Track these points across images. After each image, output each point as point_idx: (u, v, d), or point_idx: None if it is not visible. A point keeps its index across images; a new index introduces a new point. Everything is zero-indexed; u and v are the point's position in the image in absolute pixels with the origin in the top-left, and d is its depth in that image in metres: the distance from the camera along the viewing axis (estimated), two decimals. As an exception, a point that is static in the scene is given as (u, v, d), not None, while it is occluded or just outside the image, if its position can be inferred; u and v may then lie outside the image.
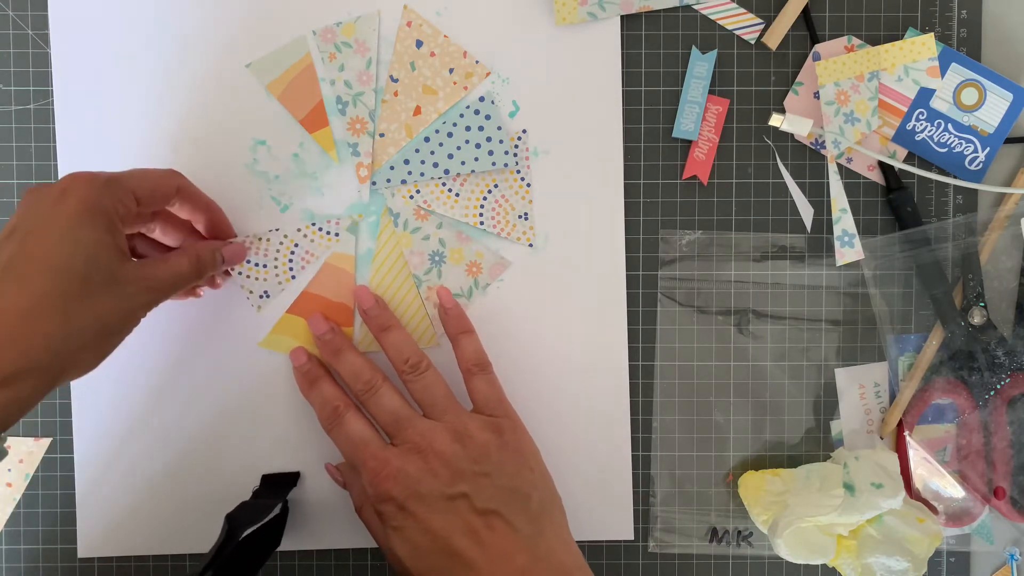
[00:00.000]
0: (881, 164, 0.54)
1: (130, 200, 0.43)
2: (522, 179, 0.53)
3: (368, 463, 0.46)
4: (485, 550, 0.44)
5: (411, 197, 0.53)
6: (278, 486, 0.53)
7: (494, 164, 0.53)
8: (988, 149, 0.54)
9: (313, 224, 0.53)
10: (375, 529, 0.48)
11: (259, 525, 0.51)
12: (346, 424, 0.48)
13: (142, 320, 0.44)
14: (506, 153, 0.53)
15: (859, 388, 0.55)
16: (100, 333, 0.42)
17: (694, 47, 0.53)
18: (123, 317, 0.43)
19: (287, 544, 0.53)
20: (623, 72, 0.53)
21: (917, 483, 0.54)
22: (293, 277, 0.53)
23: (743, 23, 0.53)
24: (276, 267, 0.53)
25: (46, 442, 0.53)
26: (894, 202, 0.54)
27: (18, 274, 0.39)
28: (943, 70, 0.53)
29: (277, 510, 0.52)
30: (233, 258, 0.50)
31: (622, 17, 0.53)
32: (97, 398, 0.53)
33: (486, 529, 0.44)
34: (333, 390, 0.49)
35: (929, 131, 0.54)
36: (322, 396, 0.49)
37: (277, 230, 0.53)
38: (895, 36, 0.54)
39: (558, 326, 0.53)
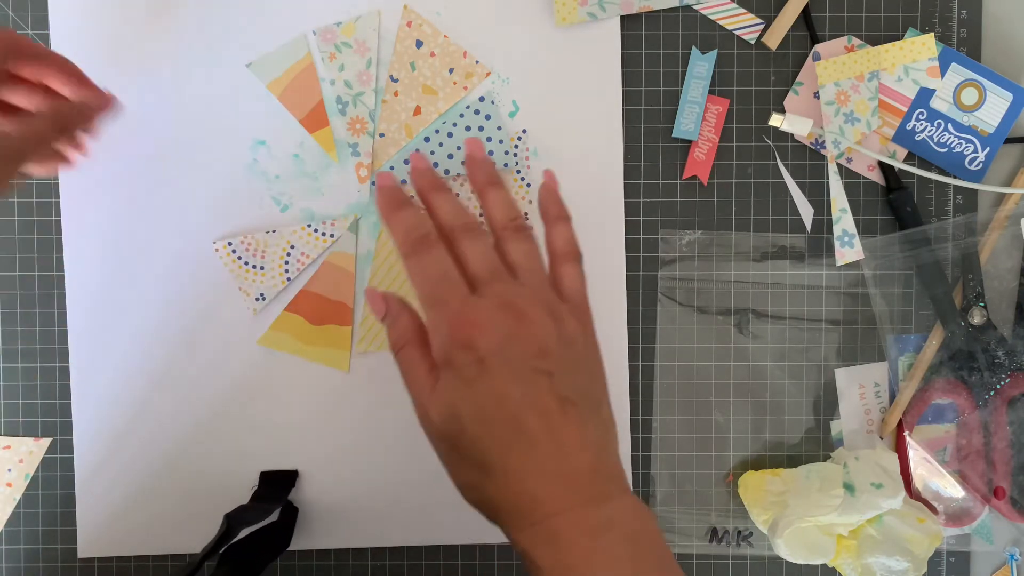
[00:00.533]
0: (881, 164, 0.54)
1: None
2: (522, 179, 0.53)
3: (454, 302, 0.41)
4: (554, 436, 0.39)
5: (411, 197, 0.53)
6: (277, 486, 0.52)
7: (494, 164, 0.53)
8: (988, 149, 0.54)
9: (309, 226, 0.53)
10: (417, 375, 0.42)
11: (263, 525, 0.50)
12: (434, 253, 0.42)
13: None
14: (506, 153, 0.53)
15: (859, 388, 0.55)
16: None
17: (694, 47, 0.53)
18: None
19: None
20: (623, 72, 0.53)
21: (917, 483, 0.54)
22: (289, 279, 0.53)
23: (743, 23, 0.53)
24: (272, 269, 0.53)
25: (46, 442, 0.53)
26: (894, 202, 0.54)
27: None
28: (943, 70, 0.53)
29: (275, 516, 0.52)
30: (98, 104, 0.46)
31: (622, 17, 0.53)
32: (97, 398, 0.53)
33: (560, 415, 0.40)
34: (424, 218, 0.43)
35: (929, 131, 0.54)
36: (410, 220, 0.43)
37: (274, 232, 0.53)
38: (895, 36, 0.54)
39: (558, 326, 0.53)
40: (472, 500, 0.42)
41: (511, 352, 0.40)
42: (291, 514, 0.53)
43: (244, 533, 0.49)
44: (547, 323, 0.41)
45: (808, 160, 0.54)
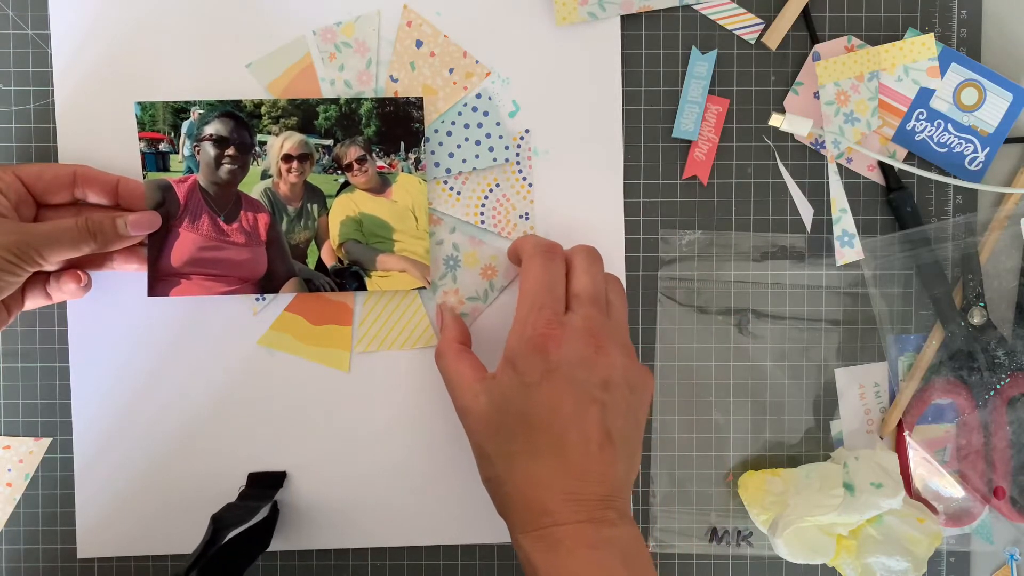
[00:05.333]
0: (881, 164, 0.54)
1: (11, 178, 0.46)
2: (523, 179, 0.53)
3: (546, 312, 0.44)
4: (584, 463, 0.42)
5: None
6: (264, 486, 0.52)
7: (495, 160, 0.53)
8: (988, 149, 0.54)
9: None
10: (465, 375, 0.46)
11: (247, 526, 0.50)
12: (554, 263, 0.46)
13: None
14: (506, 148, 0.53)
15: (859, 388, 0.55)
16: None
17: (694, 47, 0.53)
18: None
19: (284, 545, 0.53)
20: (623, 72, 0.53)
21: (917, 483, 0.54)
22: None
23: (743, 23, 0.53)
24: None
25: (46, 442, 0.53)
26: (894, 202, 0.54)
27: None
28: (943, 70, 0.53)
29: (264, 512, 0.52)
30: (139, 225, 0.48)
31: (622, 17, 0.53)
32: (97, 398, 0.53)
33: (598, 446, 0.43)
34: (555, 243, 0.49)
35: (929, 131, 0.54)
36: (542, 239, 0.49)
37: (277, 230, 0.53)
38: (895, 36, 0.54)
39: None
40: (490, 491, 0.45)
41: (579, 374, 0.43)
42: (273, 515, 0.52)
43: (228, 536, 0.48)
44: (619, 361, 0.44)
45: (808, 160, 0.54)
